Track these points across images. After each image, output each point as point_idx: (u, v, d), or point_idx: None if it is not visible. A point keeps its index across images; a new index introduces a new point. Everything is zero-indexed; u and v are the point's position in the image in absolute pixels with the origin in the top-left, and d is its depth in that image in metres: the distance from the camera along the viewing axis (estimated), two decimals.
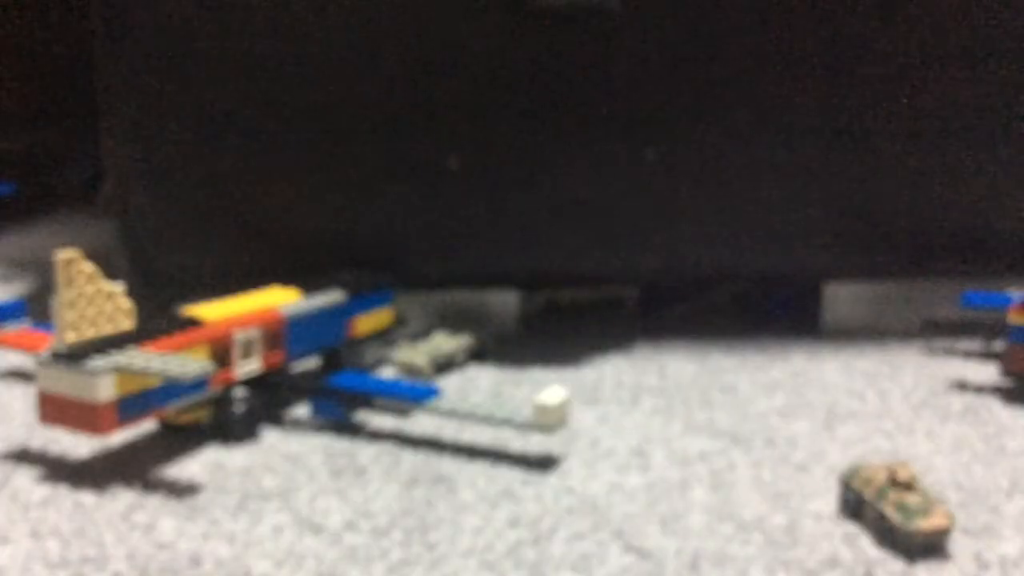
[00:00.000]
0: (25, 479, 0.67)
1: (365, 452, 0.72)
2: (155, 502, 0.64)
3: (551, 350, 0.99)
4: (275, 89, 0.93)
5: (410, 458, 0.71)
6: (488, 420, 0.70)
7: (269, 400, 0.79)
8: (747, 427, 0.77)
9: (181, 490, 0.65)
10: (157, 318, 0.73)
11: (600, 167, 0.97)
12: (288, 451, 0.72)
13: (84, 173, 1.92)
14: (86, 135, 1.83)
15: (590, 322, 1.10)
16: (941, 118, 0.98)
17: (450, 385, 0.88)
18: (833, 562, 0.56)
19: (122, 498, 0.64)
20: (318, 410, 0.76)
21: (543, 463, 0.70)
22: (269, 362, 0.77)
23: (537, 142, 0.95)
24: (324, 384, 0.76)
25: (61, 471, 0.68)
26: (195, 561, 0.56)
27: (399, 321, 0.94)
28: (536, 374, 0.91)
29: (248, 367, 0.75)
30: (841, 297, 1.04)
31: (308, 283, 0.86)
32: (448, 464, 0.70)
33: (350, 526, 0.60)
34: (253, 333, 0.75)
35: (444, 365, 0.91)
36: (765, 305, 1.14)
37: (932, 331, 1.00)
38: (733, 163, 0.98)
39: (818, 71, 0.96)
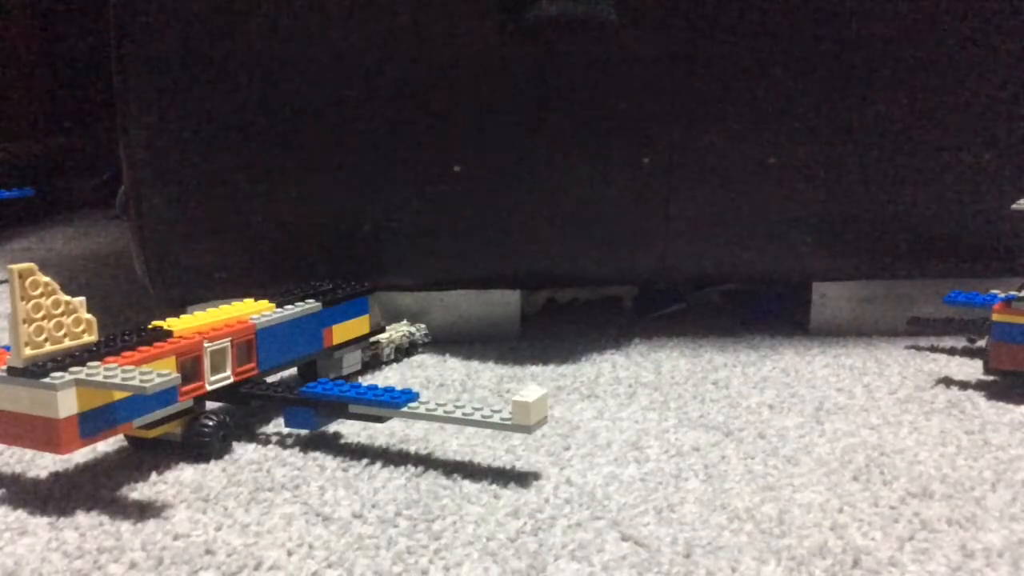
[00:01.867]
0: (43, 472, 0.68)
1: (373, 445, 0.73)
2: (170, 494, 0.65)
3: (551, 347, 1.00)
4: (284, 97, 0.94)
5: (416, 451, 0.72)
6: (467, 422, 0.68)
7: (241, 412, 0.78)
8: (739, 421, 0.79)
9: (195, 482, 0.67)
10: (123, 331, 0.69)
11: (598, 172, 0.98)
12: (298, 443, 0.73)
13: (101, 177, 1.93)
14: (103, 140, 1.85)
15: (588, 320, 1.12)
16: (930, 121, 0.99)
17: (453, 379, 0.89)
18: (822, 551, 0.57)
19: (138, 490, 0.65)
20: (290, 420, 0.73)
21: (543, 455, 0.72)
22: (241, 373, 0.74)
23: (538, 148, 0.97)
24: (296, 393, 0.72)
25: (78, 464, 0.70)
26: (209, 551, 0.57)
27: (376, 329, 0.92)
28: (536, 370, 0.92)
29: (219, 379, 0.72)
30: (830, 296, 1.05)
31: (285, 294, 0.84)
32: (452, 457, 0.71)
33: (358, 516, 0.62)
34: (223, 344, 0.72)
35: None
36: (756, 304, 1.16)
37: (918, 329, 1.01)
38: (726, 168, 0.99)
39: (811, 80, 0.97)
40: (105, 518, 0.61)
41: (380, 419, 0.71)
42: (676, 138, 0.98)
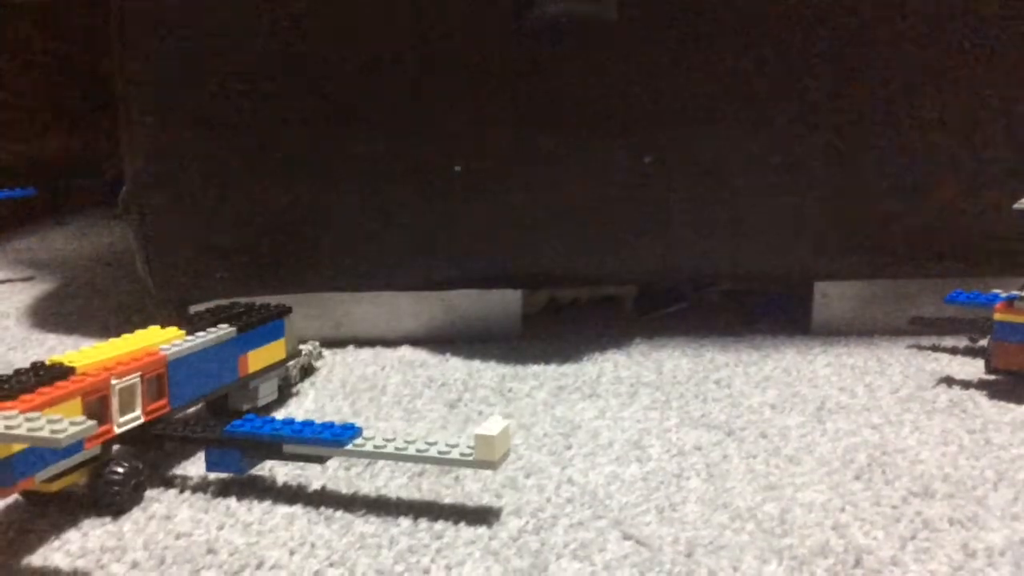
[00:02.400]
0: None
1: None
2: (171, 494, 0.65)
3: (552, 347, 1.00)
4: (284, 99, 0.94)
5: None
6: (421, 459, 0.61)
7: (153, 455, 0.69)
8: (741, 420, 0.79)
9: (197, 482, 0.67)
10: (17, 369, 0.62)
11: (599, 171, 0.98)
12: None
13: (103, 177, 1.93)
14: (105, 140, 1.85)
15: (590, 320, 1.12)
16: (931, 121, 0.99)
17: (454, 379, 0.89)
18: (824, 550, 0.57)
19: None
20: (212, 464, 0.64)
21: (545, 455, 0.72)
22: (152, 412, 0.66)
23: (539, 147, 0.97)
24: (220, 433, 0.64)
25: None
26: (211, 550, 0.57)
27: (292, 354, 0.84)
28: (538, 369, 0.93)
29: (129, 420, 0.64)
30: (831, 295, 1.05)
31: (195, 319, 0.76)
32: None
33: (360, 515, 0.62)
34: (132, 380, 0.63)
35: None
36: (758, 304, 1.16)
37: (919, 328, 1.01)
38: (727, 167, 0.99)
39: (812, 80, 0.97)
40: (107, 517, 0.61)
41: (320, 459, 0.64)
42: (677, 137, 0.98)
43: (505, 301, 1.03)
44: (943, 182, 1.01)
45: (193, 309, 0.96)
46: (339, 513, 0.62)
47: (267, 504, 0.63)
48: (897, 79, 0.98)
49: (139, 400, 0.64)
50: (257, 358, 0.77)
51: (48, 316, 1.16)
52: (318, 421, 0.65)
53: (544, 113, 0.96)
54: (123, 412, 0.63)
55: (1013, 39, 0.98)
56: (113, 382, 0.62)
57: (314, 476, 0.67)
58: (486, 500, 0.64)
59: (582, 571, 0.55)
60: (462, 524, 0.61)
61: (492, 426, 0.60)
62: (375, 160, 0.96)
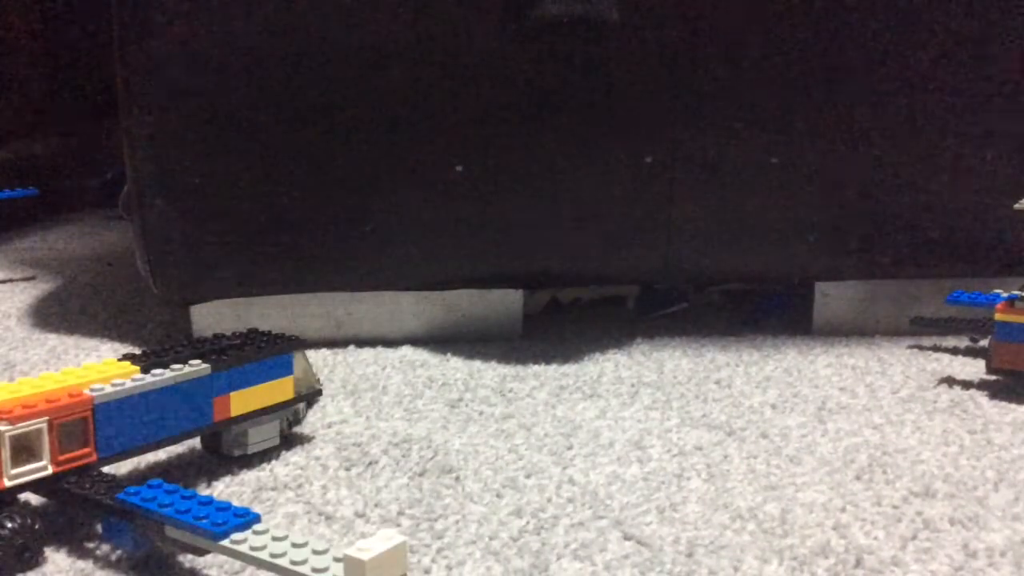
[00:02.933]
0: None
1: (375, 444, 0.73)
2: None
3: (553, 347, 1.00)
4: (286, 97, 0.94)
5: (418, 450, 0.72)
6: (287, 572, 0.48)
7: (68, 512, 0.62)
8: (741, 420, 0.79)
9: (198, 482, 0.67)
10: None
11: (600, 171, 0.98)
12: (301, 443, 0.73)
13: (104, 177, 1.93)
14: (106, 140, 1.85)
15: (591, 320, 1.12)
16: (932, 121, 0.99)
17: (455, 379, 0.89)
18: (825, 550, 0.57)
19: None
20: (108, 533, 0.56)
21: (546, 455, 0.71)
22: (66, 462, 0.58)
23: (540, 147, 0.97)
24: (114, 498, 0.55)
25: None
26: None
27: (311, 392, 0.75)
28: (538, 369, 0.93)
29: (28, 472, 0.56)
30: (832, 296, 1.05)
31: (164, 352, 0.67)
32: (455, 456, 0.71)
33: (361, 515, 0.62)
34: (35, 426, 0.56)
35: None
36: (759, 304, 1.16)
37: (920, 328, 1.01)
38: (728, 168, 0.99)
39: (812, 80, 0.97)
40: None
41: (199, 551, 0.53)
42: (678, 137, 0.98)
43: (506, 301, 1.03)
44: (944, 182, 1.01)
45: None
46: (340, 513, 0.62)
47: (268, 504, 0.63)
48: (898, 79, 0.98)
49: (47, 448, 0.57)
50: (248, 398, 0.69)
51: (50, 316, 1.16)
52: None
53: (546, 112, 0.96)
54: (22, 462, 0.56)
55: (1013, 39, 0.98)
56: (2, 428, 0.55)
57: (315, 475, 0.68)
58: (487, 500, 0.64)
59: (583, 571, 0.55)
60: (462, 524, 0.61)
61: (374, 542, 0.46)
62: (375, 160, 0.96)
